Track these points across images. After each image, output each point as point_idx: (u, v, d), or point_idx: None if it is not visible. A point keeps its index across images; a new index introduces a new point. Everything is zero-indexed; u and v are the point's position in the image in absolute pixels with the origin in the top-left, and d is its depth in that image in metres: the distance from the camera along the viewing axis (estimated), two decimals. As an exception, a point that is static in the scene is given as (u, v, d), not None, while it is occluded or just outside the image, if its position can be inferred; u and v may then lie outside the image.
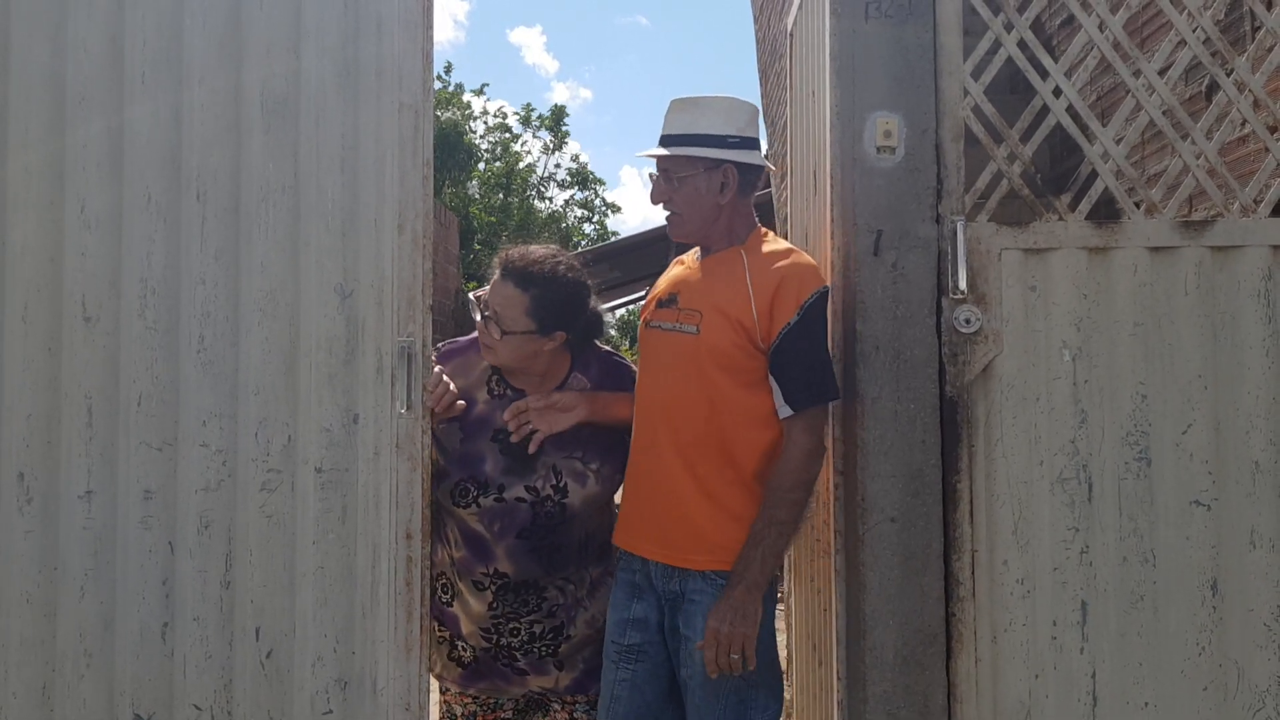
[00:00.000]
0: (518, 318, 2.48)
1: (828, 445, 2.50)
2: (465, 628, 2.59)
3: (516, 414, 2.51)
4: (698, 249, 2.61)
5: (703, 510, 2.39)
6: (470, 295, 2.56)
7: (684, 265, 2.63)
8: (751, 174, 2.51)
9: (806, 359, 2.36)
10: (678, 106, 2.52)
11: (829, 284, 2.49)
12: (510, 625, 2.55)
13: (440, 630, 2.61)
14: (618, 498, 2.63)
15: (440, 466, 2.52)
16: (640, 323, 2.64)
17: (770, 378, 2.38)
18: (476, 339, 2.61)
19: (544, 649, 2.57)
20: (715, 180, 2.47)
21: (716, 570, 2.38)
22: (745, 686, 2.36)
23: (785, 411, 2.37)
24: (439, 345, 2.67)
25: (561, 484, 2.53)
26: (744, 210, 2.53)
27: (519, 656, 2.56)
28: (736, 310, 2.38)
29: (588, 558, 2.60)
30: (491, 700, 2.64)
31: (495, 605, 2.54)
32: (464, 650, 2.60)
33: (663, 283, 2.64)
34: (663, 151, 2.51)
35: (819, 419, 2.40)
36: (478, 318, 2.54)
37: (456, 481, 2.51)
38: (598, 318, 2.70)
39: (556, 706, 2.64)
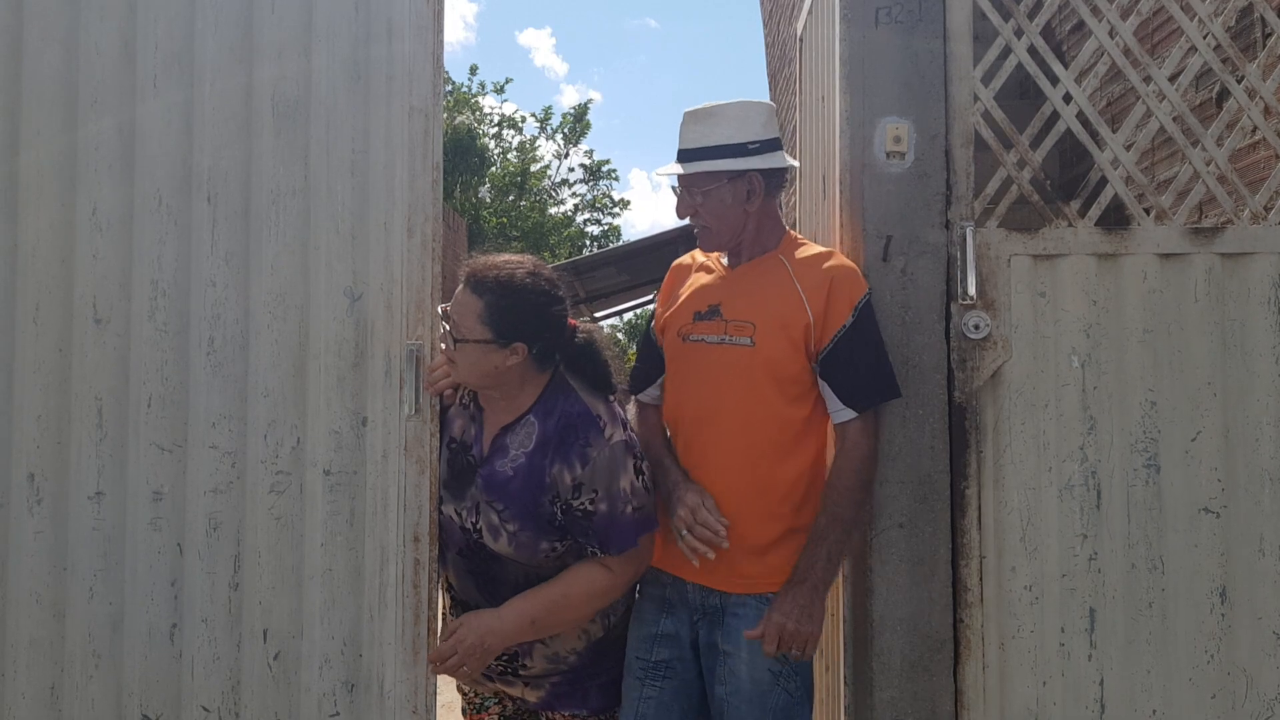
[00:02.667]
0: (472, 325, 2.29)
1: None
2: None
3: (442, 669, 2.36)
4: (714, 254, 2.56)
5: (746, 532, 2.33)
6: (439, 309, 2.40)
7: (710, 273, 2.54)
8: (777, 176, 2.46)
9: (867, 359, 2.33)
10: (692, 119, 2.44)
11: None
12: None
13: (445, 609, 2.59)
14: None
15: None
16: (671, 335, 2.53)
17: (822, 384, 2.35)
18: None
19: (501, 670, 2.46)
20: (740, 189, 2.41)
21: (755, 593, 2.34)
22: (792, 703, 2.31)
23: (844, 415, 2.33)
24: None
25: (478, 526, 2.36)
26: (772, 213, 2.49)
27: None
28: (794, 317, 2.34)
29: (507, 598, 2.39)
30: (477, 699, 2.63)
31: (452, 612, 2.52)
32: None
33: (691, 292, 2.53)
34: (681, 169, 2.43)
35: (875, 422, 2.37)
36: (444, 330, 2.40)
37: None
38: (586, 349, 2.45)
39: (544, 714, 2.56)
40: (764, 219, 2.46)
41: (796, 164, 2.58)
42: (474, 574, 2.42)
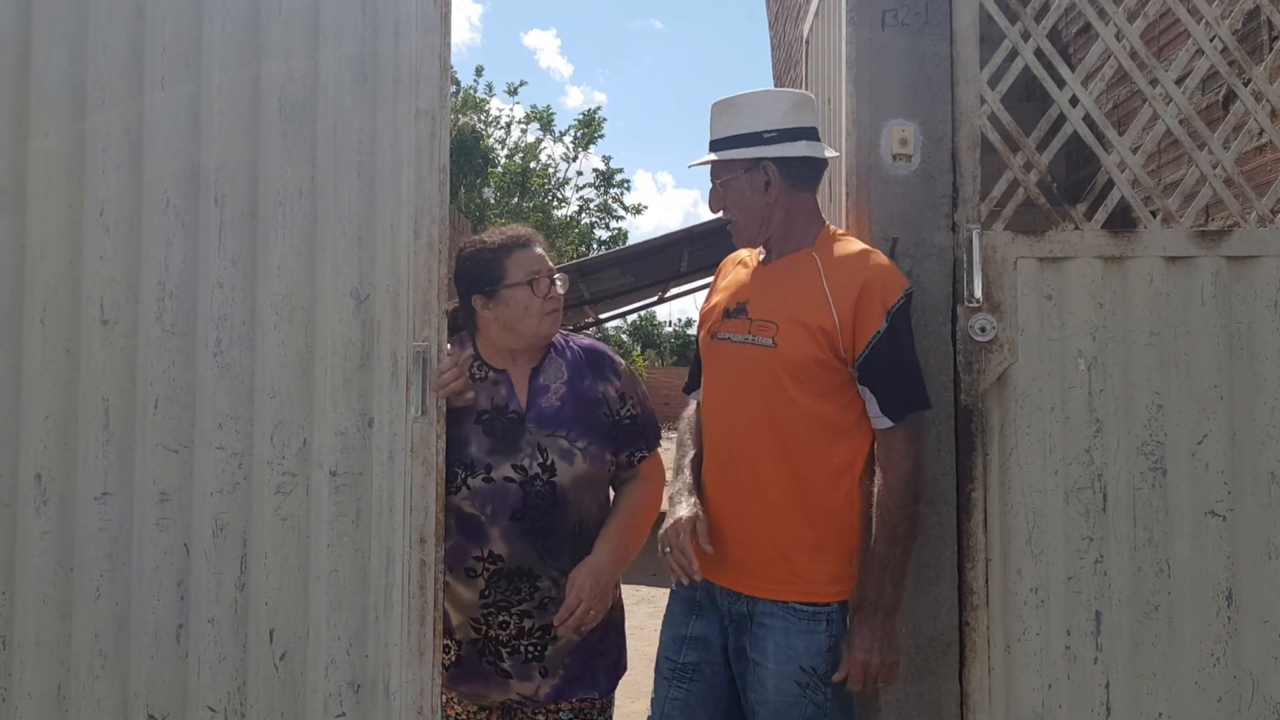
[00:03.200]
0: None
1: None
2: (455, 619, 2.52)
3: (574, 622, 2.45)
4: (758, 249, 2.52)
5: (775, 537, 2.31)
6: (546, 275, 2.57)
7: (746, 268, 2.53)
8: (798, 166, 2.39)
9: (900, 367, 2.27)
10: (717, 110, 2.44)
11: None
12: (500, 617, 2.49)
13: None
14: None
15: None
16: (703, 333, 2.56)
17: (863, 389, 2.29)
18: (459, 337, 2.64)
19: (530, 649, 2.49)
20: (757, 179, 2.38)
21: (787, 600, 2.31)
22: (820, 715, 2.27)
23: (883, 423, 2.28)
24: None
25: (549, 462, 2.50)
26: (802, 206, 2.42)
27: (505, 655, 2.49)
28: (816, 318, 2.28)
29: (581, 549, 2.52)
30: (473, 708, 2.59)
31: (487, 592, 2.48)
32: (447, 650, 2.52)
33: (724, 289, 2.55)
34: (699, 160, 2.45)
35: (918, 428, 2.31)
36: (543, 286, 2.55)
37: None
38: None
39: (541, 718, 2.57)
40: (793, 212, 2.41)
41: (830, 154, 2.49)
42: (531, 533, 2.48)
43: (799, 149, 2.38)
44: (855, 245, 2.39)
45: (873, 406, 2.29)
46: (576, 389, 2.61)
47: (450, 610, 2.52)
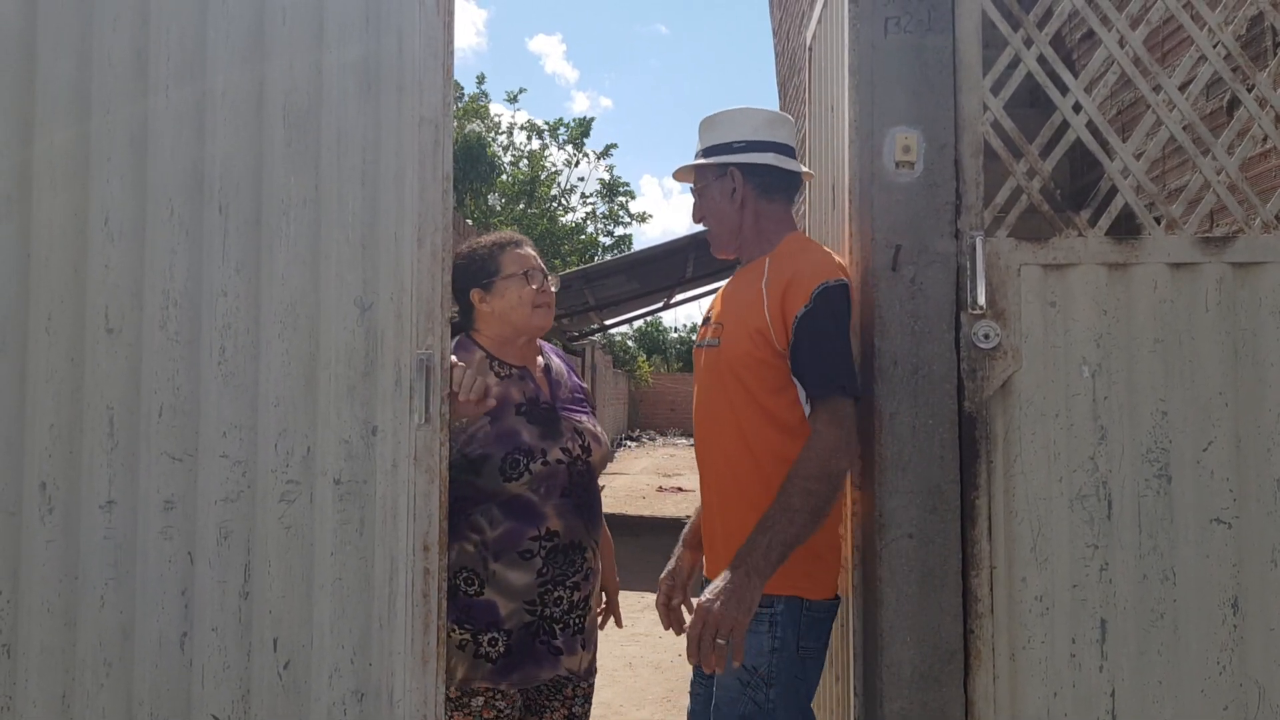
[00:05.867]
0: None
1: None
2: (505, 608, 2.58)
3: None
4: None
5: (732, 527, 2.36)
6: (537, 271, 2.77)
7: (729, 281, 2.67)
8: (764, 175, 2.49)
9: (822, 346, 2.29)
10: (701, 125, 2.57)
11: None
12: (555, 593, 2.63)
13: (461, 632, 2.57)
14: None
15: (476, 454, 2.58)
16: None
17: (795, 378, 2.35)
18: (458, 341, 2.76)
19: (576, 621, 2.68)
20: (726, 186, 2.50)
21: None
22: (760, 714, 2.28)
23: (809, 407, 2.32)
24: None
25: (586, 444, 2.75)
26: (771, 214, 2.52)
27: (558, 632, 2.64)
28: (751, 318, 2.38)
29: (601, 521, 2.81)
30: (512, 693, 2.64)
31: (544, 570, 2.62)
32: (494, 643, 2.58)
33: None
34: (677, 168, 2.59)
35: (843, 411, 2.29)
36: (536, 279, 2.75)
37: (504, 456, 2.59)
38: None
39: (556, 704, 2.73)
40: (762, 221, 2.52)
41: (803, 170, 2.55)
42: (579, 507, 2.70)
43: (765, 159, 2.48)
44: (805, 246, 2.47)
45: (801, 392, 2.35)
46: (576, 384, 2.93)
47: (500, 601, 2.60)
